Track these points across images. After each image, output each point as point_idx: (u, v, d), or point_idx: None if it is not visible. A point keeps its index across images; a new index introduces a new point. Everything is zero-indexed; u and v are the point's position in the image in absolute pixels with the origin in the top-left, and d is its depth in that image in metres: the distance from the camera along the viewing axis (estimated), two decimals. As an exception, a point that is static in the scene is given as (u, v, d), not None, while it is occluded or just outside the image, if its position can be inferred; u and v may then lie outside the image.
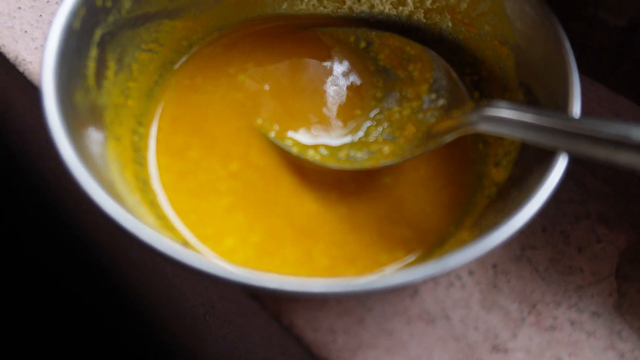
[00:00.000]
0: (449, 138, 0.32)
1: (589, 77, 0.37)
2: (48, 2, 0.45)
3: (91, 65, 0.33)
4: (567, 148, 0.28)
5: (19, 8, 0.44)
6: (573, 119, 0.28)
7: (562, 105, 0.30)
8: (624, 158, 0.27)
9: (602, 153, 0.27)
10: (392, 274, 0.26)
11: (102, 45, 0.34)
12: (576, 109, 0.30)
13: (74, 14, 0.32)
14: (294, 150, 0.36)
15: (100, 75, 0.34)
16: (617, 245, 0.36)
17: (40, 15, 0.44)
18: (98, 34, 0.33)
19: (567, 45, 0.31)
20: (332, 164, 0.35)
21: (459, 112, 0.33)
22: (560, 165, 0.28)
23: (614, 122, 0.27)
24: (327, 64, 0.39)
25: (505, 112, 0.30)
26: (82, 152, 0.29)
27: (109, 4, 0.34)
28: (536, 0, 0.33)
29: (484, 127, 0.31)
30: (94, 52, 0.33)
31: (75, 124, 0.30)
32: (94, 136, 0.31)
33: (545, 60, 0.33)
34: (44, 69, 0.29)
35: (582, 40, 0.35)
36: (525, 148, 0.32)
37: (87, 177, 0.27)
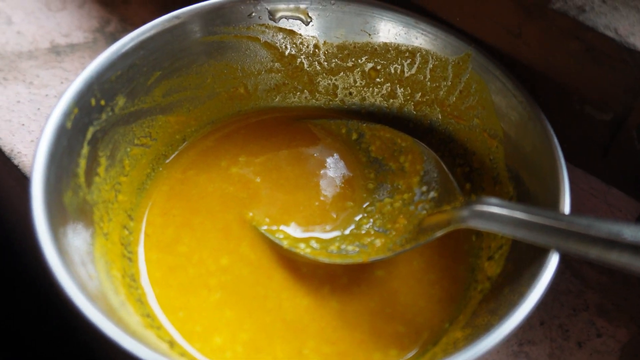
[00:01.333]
0: (439, 233, 0.32)
1: (581, 169, 0.37)
2: (47, 95, 0.46)
3: (82, 163, 0.33)
4: (558, 246, 0.28)
5: (18, 102, 0.45)
6: (564, 217, 0.28)
7: (552, 200, 0.30)
8: (615, 257, 0.26)
9: (593, 252, 0.27)
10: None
11: (94, 142, 0.34)
12: (566, 206, 0.29)
13: (67, 114, 0.32)
14: (285, 243, 0.35)
15: (91, 172, 0.34)
16: (618, 339, 0.35)
17: (38, 109, 0.45)
18: (90, 132, 0.34)
19: (555, 141, 0.32)
20: (323, 258, 0.34)
21: (450, 206, 0.33)
22: (552, 264, 0.28)
23: (605, 220, 0.27)
24: (318, 155, 0.40)
25: (495, 208, 0.30)
26: (67, 253, 0.28)
27: (102, 102, 0.34)
28: (523, 96, 0.34)
29: (475, 223, 0.30)
30: (85, 150, 0.33)
31: (62, 223, 0.30)
32: (82, 235, 0.31)
33: (534, 154, 0.33)
34: (34, 170, 0.29)
35: (570, 134, 0.35)
36: (517, 242, 0.32)
37: (70, 283, 0.26)
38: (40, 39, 0.50)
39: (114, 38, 0.50)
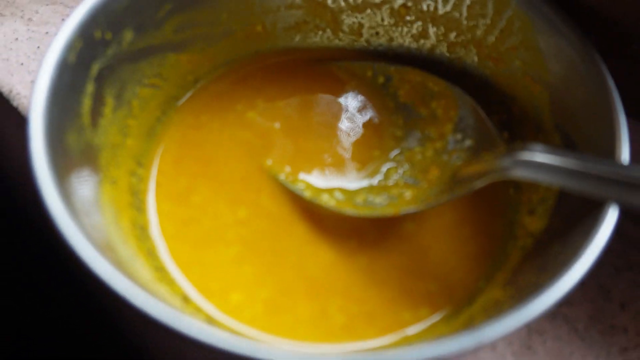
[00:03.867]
0: (478, 184, 0.29)
1: (635, 120, 0.34)
2: (47, 33, 0.42)
3: (87, 102, 0.30)
4: (618, 198, 0.25)
5: (16, 39, 0.42)
6: (623, 166, 0.25)
7: (607, 151, 0.27)
8: (685, 212, 0.23)
9: (659, 205, 0.24)
10: (420, 345, 0.22)
11: (100, 80, 0.31)
12: (625, 155, 0.26)
13: (69, 47, 0.29)
14: (307, 194, 0.33)
15: (96, 112, 0.31)
16: (664, 301, 0.33)
17: (38, 47, 0.41)
18: (95, 68, 0.31)
19: (612, 85, 0.28)
20: (349, 210, 0.32)
21: (489, 155, 0.30)
22: (610, 218, 0.25)
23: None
24: (342, 100, 0.36)
25: (543, 156, 0.27)
26: (72, 201, 0.26)
27: (108, 36, 0.31)
28: (574, 36, 0.30)
29: (520, 173, 0.27)
30: (90, 88, 0.30)
31: (65, 169, 0.27)
32: (87, 181, 0.28)
33: (586, 101, 0.30)
34: (33, 108, 0.26)
35: (627, 80, 0.32)
36: (564, 195, 0.29)
37: (75, 232, 0.24)
38: (40, -28, 0.46)
39: (119, -28, 0.46)
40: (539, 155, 0.27)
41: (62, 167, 0.27)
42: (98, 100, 0.31)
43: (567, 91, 0.31)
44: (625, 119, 0.27)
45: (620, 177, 0.25)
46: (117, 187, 0.31)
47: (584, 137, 0.30)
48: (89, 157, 0.30)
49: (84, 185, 0.28)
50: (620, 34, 0.31)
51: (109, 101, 0.32)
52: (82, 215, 0.26)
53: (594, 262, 0.24)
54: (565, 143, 0.31)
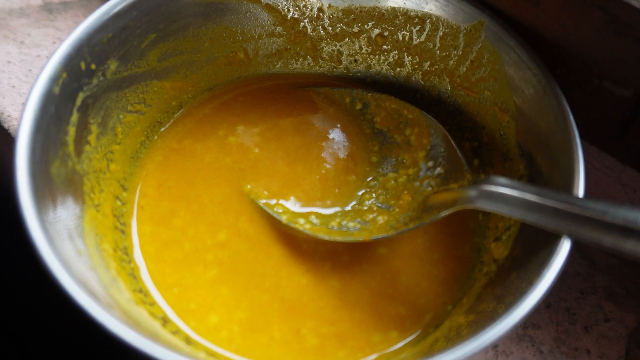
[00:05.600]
0: (445, 213, 0.30)
1: (595, 147, 0.35)
2: (38, 56, 0.44)
3: (71, 131, 0.31)
4: (570, 232, 0.26)
5: (9, 62, 0.43)
6: (578, 200, 0.27)
7: (565, 182, 0.29)
8: (631, 247, 0.25)
9: (608, 240, 0.25)
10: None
11: (84, 109, 0.32)
12: (580, 189, 0.28)
13: (54, 79, 0.30)
14: (284, 218, 0.34)
15: (81, 140, 0.32)
16: (626, 324, 0.34)
17: (30, 70, 0.43)
18: (80, 97, 0.32)
19: (571, 119, 0.30)
20: (323, 234, 0.33)
21: (457, 185, 0.31)
22: (563, 251, 0.26)
23: (621, 206, 0.25)
24: (321, 126, 0.38)
25: (505, 189, 0.28)
26: (55, 229, 0.27)
27: (93, 66, 0.33)
28: (538, 68, 0.32)
29: (483, 204, 0.29)
30: (74, 117, 0.32)
31: (49, 197, 0.28)
32: (71, 208, 0.30)
33: (548, 131, 0.31)
34: (19, 141, 0.28)
35: (587, 110, 0.33)
36: (526, 225, 0.30)
37: (54, 262, 0.25)
38: (33, -5, 0.48)
39: (109, -4, 0.48)
40: (501, 188, 0.28)
41: (45, 195, 0.28)
42: (83, 128, 0.32)
43: (531, 122, 0.32)
44: (582, 152, 0.29)
45: (573, 211, 0.26)
46: (101, 211, 0.32)
47: (547, 166, 0.31)
48: (73, 184, 0.31)
49: (67, 211, 0.29)
50: (582, 69, 0.32)
51: (94, 129, 0.33)
52: (64, 241, 0.28)
53: (545, 293, 0.25)
54: (529, 172, 0.32)
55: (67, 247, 0.27)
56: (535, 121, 0.32)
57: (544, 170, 0.31)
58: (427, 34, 0.36)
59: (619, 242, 0.25)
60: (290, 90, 0.39)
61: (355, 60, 0.39)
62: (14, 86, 0.42)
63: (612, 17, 0.29)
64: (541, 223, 0.27)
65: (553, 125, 0.31)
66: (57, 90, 0.30)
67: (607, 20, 0.30)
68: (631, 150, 0.33)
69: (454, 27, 0.35)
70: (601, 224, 0.25)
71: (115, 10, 0.33)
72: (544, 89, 0.31)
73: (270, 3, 0.37)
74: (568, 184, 0.28)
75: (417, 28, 0.37)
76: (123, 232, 0.33)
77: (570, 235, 0.26)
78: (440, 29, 0.36)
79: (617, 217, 0.25)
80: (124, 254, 0.32)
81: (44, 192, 0.28)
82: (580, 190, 0.28)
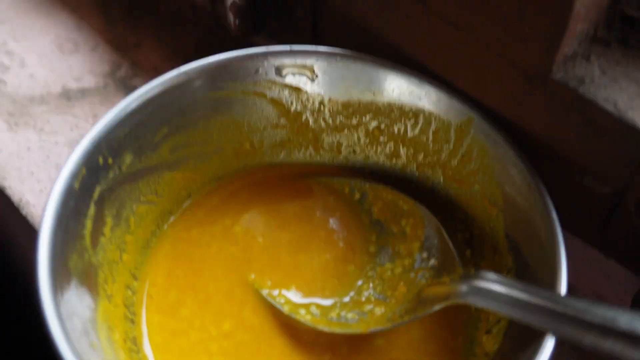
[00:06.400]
0: (438, 307, 0.32)
1: (579, 239, 0.37)
2: (56, 143, 0.46)
3: (88, 224, 0.34)
4: (554, 329, 0.28)
5: (28, 149, 0.46)
6: (560, 299, 0.28)
7: (551, 277, 0.30)
8: (610, 346, 0.26)
9: (588, 338, 0.27)
10: None
11: (101, 201, 0.35)
12: (562, 287, 0.30)
13: (75, 176, 0.33)
14: (286, 309, 0.36)
15: (96, 232, 0.34)
16: (615, 409, 0.35)
17: (48, 157, 0.45)
18: (97, 191, 0.34)
19: (554, 216, 0.32)
20: (323, 326, 0.35)
21: (449, 278, 0.33)
22: (547, 349, 0.28)
23: (601, 305, 0.27)
24: (321, 215, 0.40)
25: (493, 285, 0.30)
26: (72, 323, 0.29)
27: (110, 161, 0.35)
28: (523, 165, 0.34)
29: (473, 300, 0.31)
30: (92, 210, 0.34)
31: (66, 292, 0.30)
32: (86, 301, 0.32)
33: (533, 226, 0.33)
34: (41, 239, 0.30)
35: (571, 204, 0.35)
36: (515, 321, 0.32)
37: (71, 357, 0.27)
38: (53, 83, 0.51)
39: (124, 84, 0.51)
40: (490, 284, 0.30)
41: (63, 290, 0.30)
42: (98, 221, 0.35)
43: (518, 216, 0.34)
44: (563, 246, 0.31)
45: (556, 309, 0.28)
46: (113, 301, 0.34)
47: (533, 260, 0.33)
48: (88, 276, 0.33)
49: (83, 304, 0.31)
50: (564, 166, 0.35)
51: (109, 220, 0.35)
52: (80, 335, 0.29)
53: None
54: (517, 265, 0.34)
55: (82, 341, 0.29)
56: (522, 215, 0.34)
57: (531, 263, 0.33)
58: (421, 128, 0.39)
59: (599, 341, 0.27)
60: (293, 179, 0.42)
61: (354, 151, 0.42)
62: (32, 173, 0.45)
63: (589, 119, 0.32)
64: (526, 320, 0.29)
65: (538, 220, 0.33)
66: (77, 185, 0.33)
67: (585, 121, 0.32)
68: (613, 244, 0.35)
69: (446, 122, 0.38)
70: (582, 322, 0.27)
71: (133, 107, 0.36)
72: (529, 185, 0.34)
73: (275, 97, 0.40)
74: (552, 280, 0.30)
75: (412, 122, 0.39)
76: (133, 321, 0.35)
77: (553, 333, 0.28)
78: (433, 123, 0.38)
79: (596, 316, 0.27)
80: (133, 344, 0.34)
81: (63, 288, 0.30)
82: (563, 288, 0.30)
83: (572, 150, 0.34)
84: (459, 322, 0.36)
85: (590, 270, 0.38)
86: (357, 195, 0.40)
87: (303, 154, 0.42)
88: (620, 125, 0.31)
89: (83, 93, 0.50)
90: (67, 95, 0.50)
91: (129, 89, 0.50)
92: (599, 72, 0.32)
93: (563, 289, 0.30)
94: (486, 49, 0.33)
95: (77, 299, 0.31)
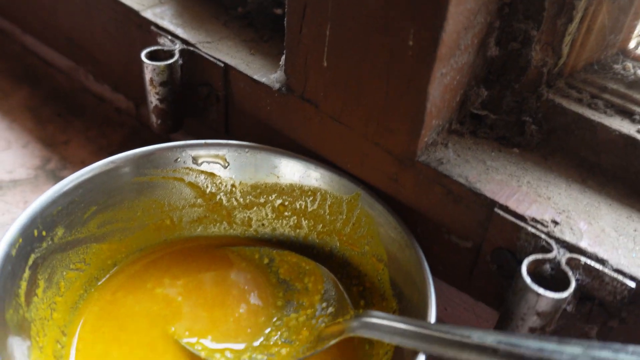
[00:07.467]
0: (334, 341, 0.38)
1: (455, 287, 0.44)
2: (-13, 225, 0.50)
3: (23, 285, 0.38)
4: (424, 349, 0.34)
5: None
6: (429, 325, 0.35)
7: (424, 311, 0.37)
8: (466, 356, 0.33)
9: (450, 352, 0.33)
10: None
11: (35, 267, 0.39)
12: (432, 317, 0.36)
13: (12, 244, 0.37)
14: (203, 354, 0.40)
15: (30, 293, 0.38)
16: None
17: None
18: (32, 258, 0.39)
19: (425, 265, 0.39)
20: (236, 367, 0.39)
21: (343, 319, 0.39)
22: (419, 364, 0.34)
23: (460, 327, 0.34)
24: (235, 278, 0.46)
25: (377, 320, 0.36)
26: (9, 363, 0.33)
27: (44, 233, 0.40)
28: (401, 227, 0.41)
29: (361, 332, 0.37)
30: (26, 274, 0.38)
31: (4, 339, 0.34)
32: (21, 348, 0.35)
33: (411, 275, 0.40)
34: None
35: (443, 258, 0.43)
36: (398, 349, 0.38)
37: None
38: (-15, 174, 0.55)
39: (54, 175, 0.56)
40: (375, 319, 0.37)
41: (2, 338, 0.34)
42: (32, 283, 0.39)
43: (399, 269, 0.41)
44: (432, 286, 0.38)
45: (425, 332, 0.34)
46: (44, 352, 0.38)
47: (413, 300, 0.39)
48: (23, 328, 0.37)
49: (18, 351, 0.35)
50: (434, 227, 0.42)
51: (41, 283, 0.39)
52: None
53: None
54: (400, 306, 0.41)
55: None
56: (402, 267, 0.41)
57: (412, 304, 0.40)
58: (319, 203, 0.46)
59: (458, 353, 0.33)
60: (209, 249, 0.47)
61: (263, 224, 0.48)
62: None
63: (448, 190, 0.40)
64: (404, 344, 0.35)
65: (414, 270, 0.40)
66: (14, 252, 0.37)
67: (445, 192, 0.40)
68: (478, 288, 0.42)
69: (338, 197, 0.45)
70: (444, 341, 0.33)
71: (65, 189, 0.41)
72: (406, 243, 0.41)
73: (192, 181, 0.47)
74: (425, 313, 0.37)
75: (310, 198, 0.46)
76: (62, 373, 0.39)
77: (424, 351, 0.34)
78: (328, 199, 0.46)
79: (455, 334, 0.33)
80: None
81: (1, 337, 0.34)
82: (432, 318, 0.36)
83: (438, 214, 0.42)
84: (356, 358, 0.41)
85: (464, 312, 0.45)
86: (265, 260, 0.46)
87: (218, 228, 0.48)
88: (472, 193, 0.39)
89: (15, 183, 0.55)
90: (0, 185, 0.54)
91: (58, 179, 0.56)
92: (454, 155, 0.41)
93: (432, 318, 0.36)
94: (365, 140, 0.42)
95: (13, 346, 0.35)
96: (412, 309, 0.39)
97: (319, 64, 0.41)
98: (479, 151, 0.41)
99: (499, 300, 0.40)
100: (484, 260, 0.41)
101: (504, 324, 0.37)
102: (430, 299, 0.37)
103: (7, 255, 0.37)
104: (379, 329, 0.36)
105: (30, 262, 0.39)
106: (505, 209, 0.37)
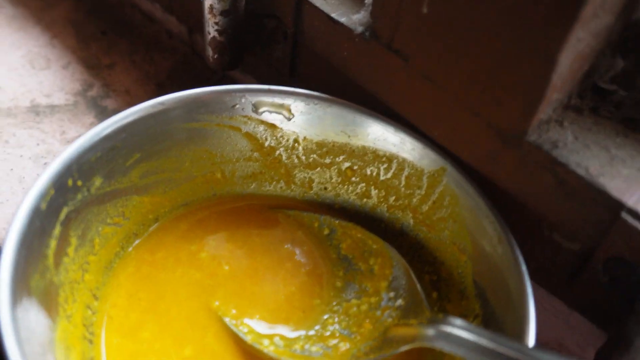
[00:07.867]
0: (404, 348, 0.32)
1: (546, 290, 0.38)
2: (21, 156, 0.45)
3: (52, 244, 0.33)
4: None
5: (-10, 160, 0.44)
6: (528, 350, 0.29)
7: (518, 327, 0.31)
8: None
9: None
10: None
11: (67, 222, 0.34)
12: (531, 339, 0.30)
13: (42, 196, 0.32)
14: (249, 338, 0.35)
15: (60, 252, 0.33)
16: None
17: (12, 170, 0.44)
18: (64, 212, 0.34)
19: (523, 268, 0.32)
20: (286, 358, 0.34)
21: (416, 321, 0.33)
22: (511, 396, 0.28)
23: (566, 357, 0.28)
24: (289, 247, 0.40)
25: (462, 332, 0.30)
26: (29, 346, 0.28)
27: (79, 183, 0.34)
28: (494, 216, 0.35)
29: (441, 345, 0.31)
30: (57, 231, 0.33)
31: (26, 312, 0.29)
32: (45, 322, 0.31)
33: (502, 277, 0.34)
34: (3, 259, 0.29)
35: (539, 257, 0.36)
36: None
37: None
38: (21, 96, 0.49)
39: (95, 103, 0.50)
40: (459, 331, 0.30)
41: (24, 313, 0.29)
42: (63, 241, 0.34)
43: (487, 265, 0.35)
44: (532, 298, 0.31)
45: (524, 359, 0.28)
46: (72, 321, 0.33)
47: (499, 309, 0.33)
48: (49, 295, 0.32)
49: (42, 325, 0.30)
50: (534, 220, 0.36)
51: (73, 241, 0.34)
52: (37, 357, 0.28)
53: None
54: (484, 312, 0.34)
55: (39, 363, 0.28)
56: (491, 265, 0.35)
57: (497, 312, 0.33)
58: (394, 172, 0.40)
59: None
60: (262, 210, 0.42)
61: (325, 188, 0.42)
62: (-8, 185, 0.43)
63: (561, 180, 0.33)
64: (491, 366, 0.29)
65: (507, 271, 0.33)
66: (44, 206, 0.32)
67: (556, 182, 0.33)
68: (578, 297, 0.36)
69: (419, 169, 0.38)
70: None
71: (106, 132, 0.35)
72: (499, 236, 0.34)
73: (250, 131, 0.40)
74: (520, 331, 0.31)
75: (385, 166, 0.40)
76: (91, 342, 0.34)
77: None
78: (406, 169, 0.39)
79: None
80: (89, 365, 0.33)
81: (23, 309, 0.29)
82: (531, 340, 0.30)
83: (543, 207, 0.35)
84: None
85: (554, 319, 0.39)
86: (326, 231, 0.40)
87: (274, 187, 0.42)
88: (591, 189, 0.32)
89: (52, 109, 0.49)
90: (36, 110, 0.49)
91: (99, 108, 0.50)
92: (572, 137, 0.33)
93: (531, 341, 0.30)
94: (462, 107, 0.34)
95: (36, 320, 0.30)
96: (500, 319, 0.33)
97: (418, 8, 0.34)
98: (602, 135, 0.34)
99: (606, 317, 0.34)
100: (594, 269, 0.34)
101: (616, 352, 0.30)
102: (529, 313, 0.31)
103: (36, 210, 0.31)
104: (464, 345, 0.30)
105: (62, 216, 0.33)
106: (635, 214, 0.30)
